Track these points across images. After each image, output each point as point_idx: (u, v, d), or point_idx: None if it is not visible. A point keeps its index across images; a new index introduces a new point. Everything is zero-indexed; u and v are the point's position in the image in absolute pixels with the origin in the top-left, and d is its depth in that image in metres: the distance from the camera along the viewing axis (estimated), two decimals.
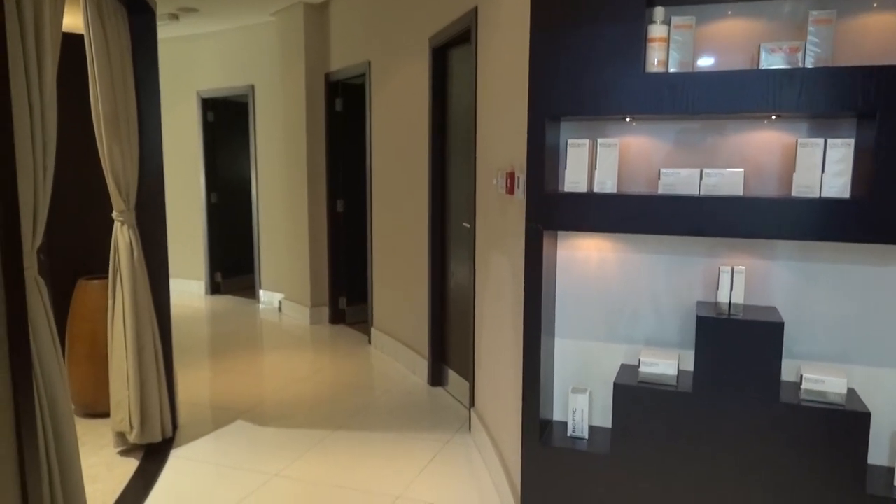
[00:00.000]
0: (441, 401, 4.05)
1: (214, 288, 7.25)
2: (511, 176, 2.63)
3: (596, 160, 2.03)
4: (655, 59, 1.92)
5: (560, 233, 2.24)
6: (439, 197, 4.18)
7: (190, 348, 5.19)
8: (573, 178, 2.05)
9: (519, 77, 2.58)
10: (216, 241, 7.19)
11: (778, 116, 1.92)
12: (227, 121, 7.18)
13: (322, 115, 5.78)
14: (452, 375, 4.16)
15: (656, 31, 1.91)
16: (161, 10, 5.77)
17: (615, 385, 2.00)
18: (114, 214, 3.12)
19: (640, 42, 1.91)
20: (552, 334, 2.26)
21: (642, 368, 2.03)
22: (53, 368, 2.16)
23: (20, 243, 1.95)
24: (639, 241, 2.16)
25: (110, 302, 3.19)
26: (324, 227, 5.90)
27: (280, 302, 6.45)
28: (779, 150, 2.00)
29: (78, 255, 4.19)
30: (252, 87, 6.58)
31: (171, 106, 7.17)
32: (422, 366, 4.42)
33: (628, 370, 2.11)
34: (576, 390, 2.17)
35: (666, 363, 2.00)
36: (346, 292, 5.94)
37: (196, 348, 5.21)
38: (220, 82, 6.82)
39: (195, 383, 4.35)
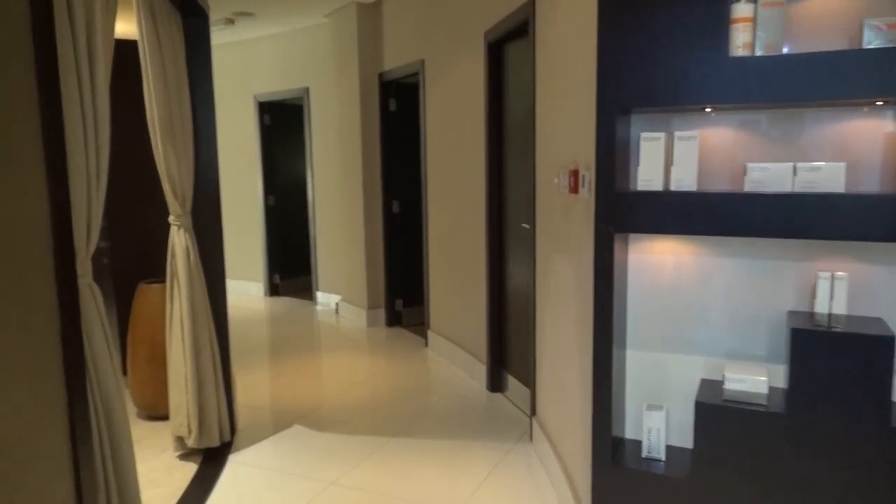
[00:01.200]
0: (501, 407, 3.91)
1: (273, 290, 7.31)
2: (575, 174, 2.47)
3: (672, 155, 1.86)
4: (740, 42, 1.73)
5: (631, 235, 2.07)
6: (497, 197, 4.04)
7: (248, 350, 5.21)
8: (647, 176, 1.88)
9: (583, 68, 2.41)
10: (274, 243, 7.25)
11: (885, 102, 1.70)
12: (283, 123, 7.23)
13: (376, 115, 5.72)
14: (512, 381, 4.01)
15: (741, 10, 1.72)
16: (217, 15, 5.82)
17: (697, 404, 1.82)
18: (170, 219, 3.11)
19: (722, 23, 1.72)
20: (623, 346, 2.09)
21: (727, 385, 1.84)
22: (109, 377, 2.13)
23: (73, 251, 1.92)
24: (720, 245, 1.97)
25: (168, 306, 3.18)
26: (379, 229, 5.84)
27: (337, 304, 6.44)
28: (881, 140, 1.78)
29: (140, 258, 4.24)
30: (307, 90, 6.58)
31: (229, 110, 7.26)
32: (480, 370, 4.29)
33: (710, 386, 1.92)
34: (651, 407, 1.99)
35: (754, 380, 1.81)
36: (403, 294, 5.87)
37: (255, 350, 5.23)
38: (276, 85, 6.86)
39: (253, 386, 4.34)
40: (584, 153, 2.39)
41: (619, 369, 2.04)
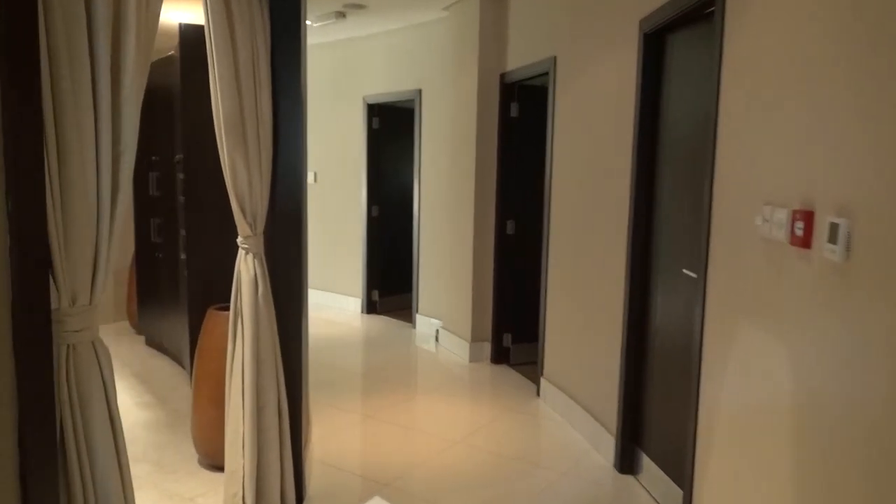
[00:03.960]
0: (633, 497, 3.05)
1: (370, 307, 6.75)
2: (808, 218, 1.60)
3: None
4: None
5: None
6: (644, 230, 3.18)
7: (336, 382, 4.62)
8: None
9: (834, 50, 1.55)
10: (375, 258, 6.70)
11: None
12: (391, 128, 6.66)
13: (494, 121, 4.99)
14: (648, 464, 3.13)
15: None
16: (327, 8, 5.33)
17: None
18: (238, 240, 2.52)
19: None
20: None
21: None
22: (109, 478, 1.51)
23: (46, 297, 1.30)
24: None
25: (230, 347, 2.59)
26: (490, 251, 5.10)
27: (437, 331, 5.76)
28: None
29: (214, 279, 3.74)
30: (419, 92, 5.97)
31: (336, 112, 6.79)
32: (607, 443, 3.44)
33: None
34: None
35: None
36: (512, 328, 5.09)
37: (342, 382, 4.63)
38: (387, 86, 6.30)
39: (334, 432, 3.71)
40: (835, 187, 1.52)
41: None
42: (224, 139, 2.29)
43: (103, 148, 1.50)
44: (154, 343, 5.20)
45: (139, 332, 5.50)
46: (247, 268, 2.49)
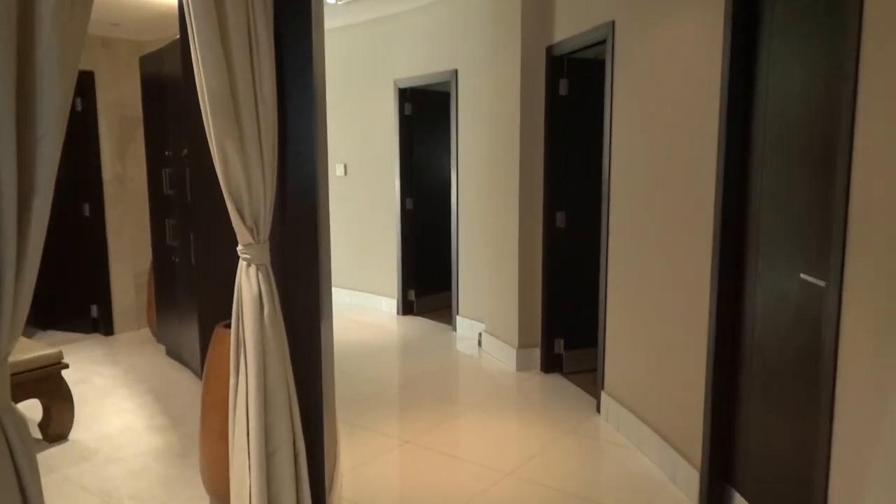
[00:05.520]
0: None
1: (406, 307, 6.27)
2: None
3: None
4: None
5: None
6: (735, 224, 2.61)
7: (368, 396, 4.15)
8: None
9: None
10: (410, 254, 6.20)
11: None
12: (425, 113, 6.14)
13: (541, 101, 4.43)
14: None
15: None
16: None
17: None
18: (238, 249, 2.04)
19: None
20: None
21: None
22: None
23: None
24: None
25: (232, 377, 2.12)
26: (538, 246, 4.56)
27: (480, 334, 5.24)
28: None
29: (226, 289, 3.28)
30: (455, 73, 5.43)
31: (367, 99, 6.30)
32: (687, 476, 2.88)
33: None
34: None
35: None
36: (565, 333, 4.54)
37: (376, 397, 4.15)
38: (420, 68, 5.78)
39: (366, 460, 3.24)
40: None
41: None
42: (210, 122, 1.80)
43: (4, 134, 1.03)
44: (174, 354, 4.81)
45: (160, 340, 5.13)
46: (249, 282, 2.01)
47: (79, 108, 5.26)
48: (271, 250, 2.10)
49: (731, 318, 2.66)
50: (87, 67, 5.26)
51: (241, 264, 2.04)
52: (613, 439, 3.48)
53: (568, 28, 4.13)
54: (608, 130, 3.65)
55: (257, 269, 2.02)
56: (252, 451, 2.04)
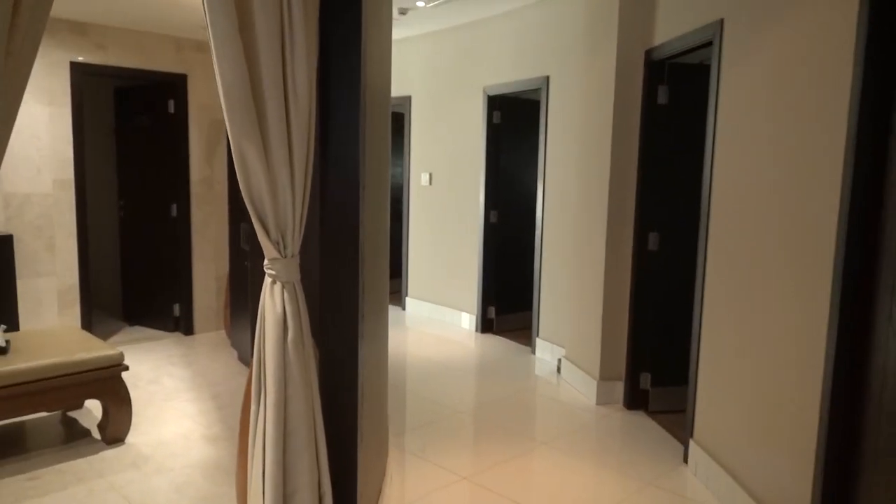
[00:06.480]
0: None
1: (486, 325, 5.97)
2: None
3: None
4: None
5: None
6: (861, 242, 2.13)
7: (434, 421, 3.87)
8: None
9: None
10: (492, 270, 5.90)
11: None
12: (514, 122, 5.83)
13: (636, 110, 4.02)
14: None
15: None
16: None
17: None
18: (265, 264, 1.83)
19: None
20: None
21: None
22: None
23: None
24: None
25: (253, 405, 1.91)
26: (627, 269, 4.14)
27: (560, 360, 4.86)
28: None
29: None
30: (546, 80, 5.10)
31: (454, 106, 6.08)
32: None
33: None
34: None
35: None
36: (652, 367, 4.08)
37: (443, 423, 3.87)
38: (510, 75, 5.48)
39: (419, 497, 2.96)
40: None
41: None
42: (227, 120, 1.60)
43: None
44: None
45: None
46: (273, 301, 1.79)
47: (171, 109, 5.36)
48: (304, 267, 1.88)
49: (855, 373, 2.17)
50: (180, 70, 5.36)
51: (266, 281, 1.82)
52: (702, 499, 3.02)
53: (670, 29, 3.71)
54: (711, 142, 3.21)
55: (283, 287, 1.79)
56: (267, 490, 1.81)
